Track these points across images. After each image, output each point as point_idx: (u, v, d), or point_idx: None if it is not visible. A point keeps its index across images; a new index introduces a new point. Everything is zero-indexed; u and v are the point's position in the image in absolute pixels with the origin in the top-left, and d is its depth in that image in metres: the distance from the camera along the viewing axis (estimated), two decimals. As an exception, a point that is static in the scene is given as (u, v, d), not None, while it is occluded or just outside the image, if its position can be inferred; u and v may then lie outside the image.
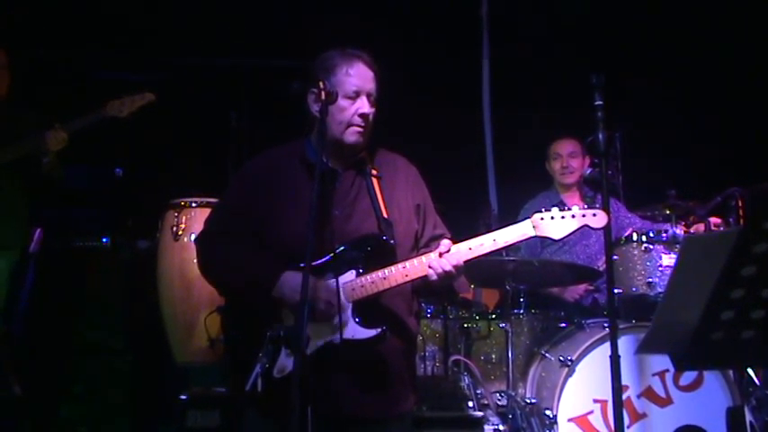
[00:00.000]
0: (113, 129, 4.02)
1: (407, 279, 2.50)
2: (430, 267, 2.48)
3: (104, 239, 4.55)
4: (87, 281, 4.49)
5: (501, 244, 2.51)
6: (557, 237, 2.53)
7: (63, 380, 4.33)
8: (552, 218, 2.53)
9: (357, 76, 2.60)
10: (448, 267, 2.47)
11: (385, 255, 2.54)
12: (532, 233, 2.53)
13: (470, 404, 3.67)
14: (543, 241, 4.36)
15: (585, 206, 2.57)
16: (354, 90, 2.59)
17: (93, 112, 3.82)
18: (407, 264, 2.50)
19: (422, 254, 2.56)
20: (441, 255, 2.49)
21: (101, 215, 4.75)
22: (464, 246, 2.51)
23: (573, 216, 2.53)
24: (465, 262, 2.50)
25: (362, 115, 2.59)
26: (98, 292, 4.47)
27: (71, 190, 4.59)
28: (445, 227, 2.78)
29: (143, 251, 4.43)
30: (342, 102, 2.57)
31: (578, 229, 2.55)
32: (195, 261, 2.75)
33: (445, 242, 2.51)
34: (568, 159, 4.48)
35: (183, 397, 3.52)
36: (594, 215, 2.53)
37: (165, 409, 3.89)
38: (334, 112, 2.56)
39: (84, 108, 3.90)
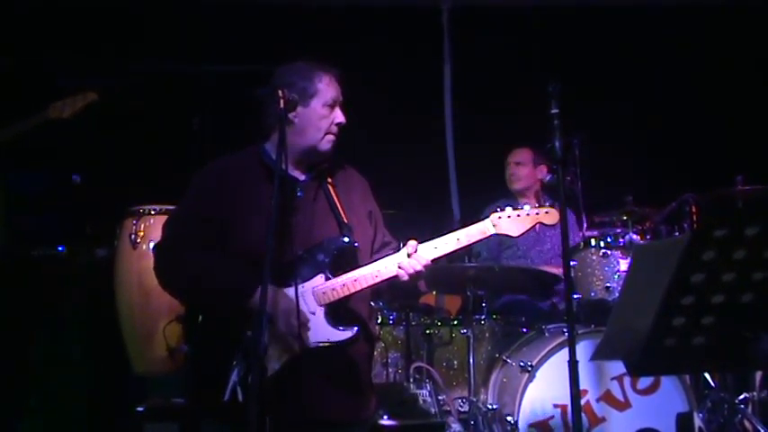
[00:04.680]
0: (71, 133, 3.95)
1: (377, 280, 2.55)
2: (400, 267, 2.54)
3: (60, 248, 4.46)
4: (43, 290, 4.39)
5: (464, 242, 2.60)
6: (515, 234, 2.65)
7: (19, 393, 4.23)
8: (509, 216, 2.65)
9: (334, 87, 2.67)
10: (418, 267, 2.54)
11: (349, 258, 2.59)
12: (493, 231, 2.64)
13: (432, 411, 3.68)
14: (500, 245, 4.44)
15: (537, 205, 2.68)
16: (333, 98, 2.65)
17: (34, 115, 3.74)
18: (377, 265, 2.55)
19: (385, 256, 2.60)
20: (409, 255, 2.54)
21: (57, 222, 4.66)
22: (430, 245, 2.59)
23: (527, 214, 2.67)
24: (432, 261, 2.57)
25: (339, 124, 2.67)
26: (54, 302, 4.37)
27: (26, 196, 4.50)
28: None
29: (101, 259, 4.35)
30: (322, 110, 2.63)
31: (534, 227, 2.68)
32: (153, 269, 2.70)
33: (412, 243, 2.57)
34: (514, 167, 4.63)
35: (141, 409, 3.46)
36: (547, 213, 2.67)
37: (123, 421, 3.83)
38: (313, 117, 2.62)
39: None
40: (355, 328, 2.52)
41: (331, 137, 2.66)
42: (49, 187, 4.74)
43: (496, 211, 2.63)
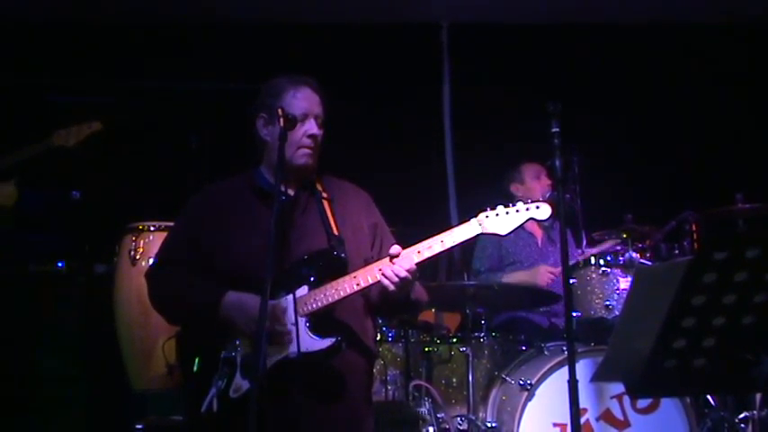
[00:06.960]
0: (71, 151, 3.96)
1: (359, 288, 2.51)
2: (383, 275, 2.47)
3: (60, 264, 4.46)
4: (42, 307, 4.39)
5: (449, 245, 2.54)
6: (503, 232, 2.56)
7: (17, 409, 4.21)
8: (497, 215, 2.57)
9: (304, 99, 2.65)
10: (402, 273, 2.46)
11: (337, 270, 2.56)
12: (479, 231, 2.56)
13: (431, 429, 3.66)
14: (502, 261, 4.41)
15: (532, 201, 2.62)
16: (302, 112, 2.62)
17: (39, 142, 3.77)
18: (357, 273, 2.52)
19: (372, 263, 2.57)
20: (391, 260, 2.49)
21: (56, 239, 4.66)
22: (413, 249, 2.53)
23: (518, 211, 2.57)
24: (417, 264, 2.51)
25: (311, 136, 2.63)
26: (53, 319, 4.37)
27: (26, 213, 4.50)
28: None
29: (100, 276, 4.35)
30: None
31: (525, 222, 2.59)
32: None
33: (395, 247, 2.52)
34: (546, 180, 4.51)
35: (139, 426, 3.45)
36: (538, 207, 2.58)
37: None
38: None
39: (39, 131, 3.85)
40: (337, 338, 2.48)
41: (304, 150, 2.63)
42: (48, 203, 4.75)
43: (485, 210, 2.57)
